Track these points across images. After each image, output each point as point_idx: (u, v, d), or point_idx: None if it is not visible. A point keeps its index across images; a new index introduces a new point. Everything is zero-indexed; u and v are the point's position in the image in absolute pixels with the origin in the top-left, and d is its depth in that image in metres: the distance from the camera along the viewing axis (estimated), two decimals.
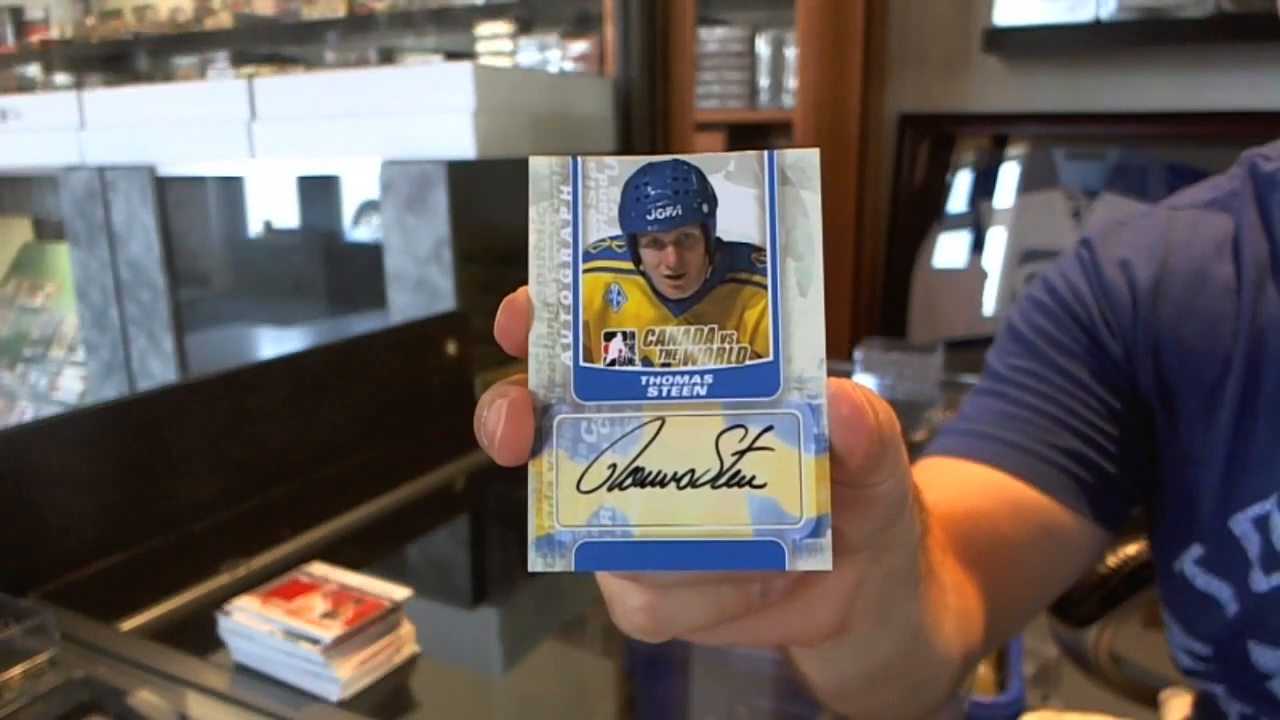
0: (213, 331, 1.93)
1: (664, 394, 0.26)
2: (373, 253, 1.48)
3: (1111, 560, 0.99)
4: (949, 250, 2.17)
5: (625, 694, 0.79)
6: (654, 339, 0.26)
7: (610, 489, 0.25)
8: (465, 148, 1.36)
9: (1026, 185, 2.07)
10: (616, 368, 0.26)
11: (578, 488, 0.25)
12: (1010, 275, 2.07)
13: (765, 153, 0.27)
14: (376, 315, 1.51)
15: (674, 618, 0.27)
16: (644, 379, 0.26)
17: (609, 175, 0.27)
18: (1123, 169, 1.97)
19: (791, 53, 2.21)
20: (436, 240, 1.37)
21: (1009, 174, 2.11)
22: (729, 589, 0.27)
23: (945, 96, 2.20)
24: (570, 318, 0.26)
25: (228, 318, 1.98)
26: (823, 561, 0.25)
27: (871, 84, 2.10)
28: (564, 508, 0.25)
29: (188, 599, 0.84)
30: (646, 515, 0.25)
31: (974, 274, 2.13)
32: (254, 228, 1.99)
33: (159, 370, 1.85)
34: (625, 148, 1.71)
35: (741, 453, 0.25)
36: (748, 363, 0.26)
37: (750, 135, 2.35)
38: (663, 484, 0.25)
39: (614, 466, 0.25)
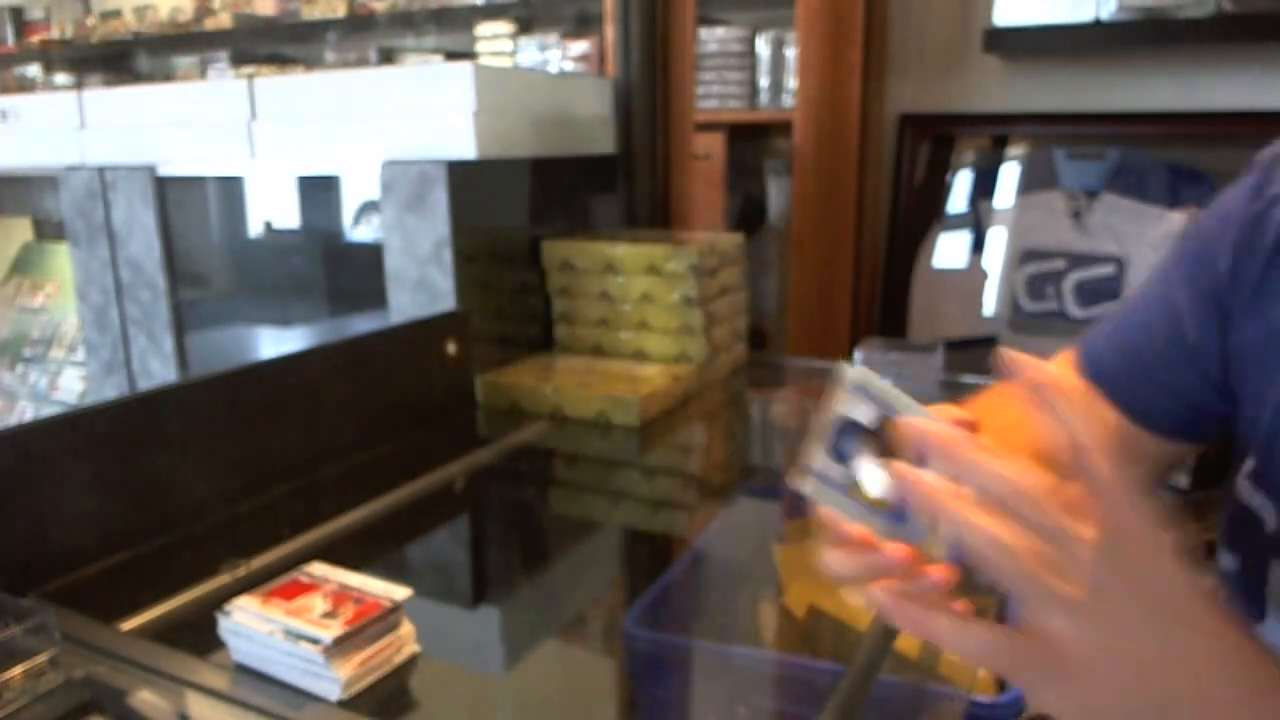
0: (213, 331, 1.93)
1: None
2: (373, 253, 1.48)
3: None
4: (949, 250, 2.17)
5: (625, 694, 0.79)
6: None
7: None
8: (466, 148, 1.36)
9: (1026, 185, 2.08)
10: None
11: None
12: (1010, 275, 2.07)
13: None
14: (376, 315, 1.51)
15: None
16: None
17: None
18: (1123, 169, 1.97)
19: (791, 53, 2.21)
20: (437, 240, 1.37)
21: (1009, 174, 2.11)
22: None
23: (945, 96, 2.20)
24: None
25: (228, 318, 1.98)
26: None
27: (871, 84, 2.10)
28: None
29: (188, 599, 0.84)
30: None
31: (974, 274, 2.13)
32: (254, 228, 1.99)
33: (159, 370, 1.85)
34: (625, 147, 1.71)
35: None
36: None
37: (750, 135, 2.35)
38: None
39: None
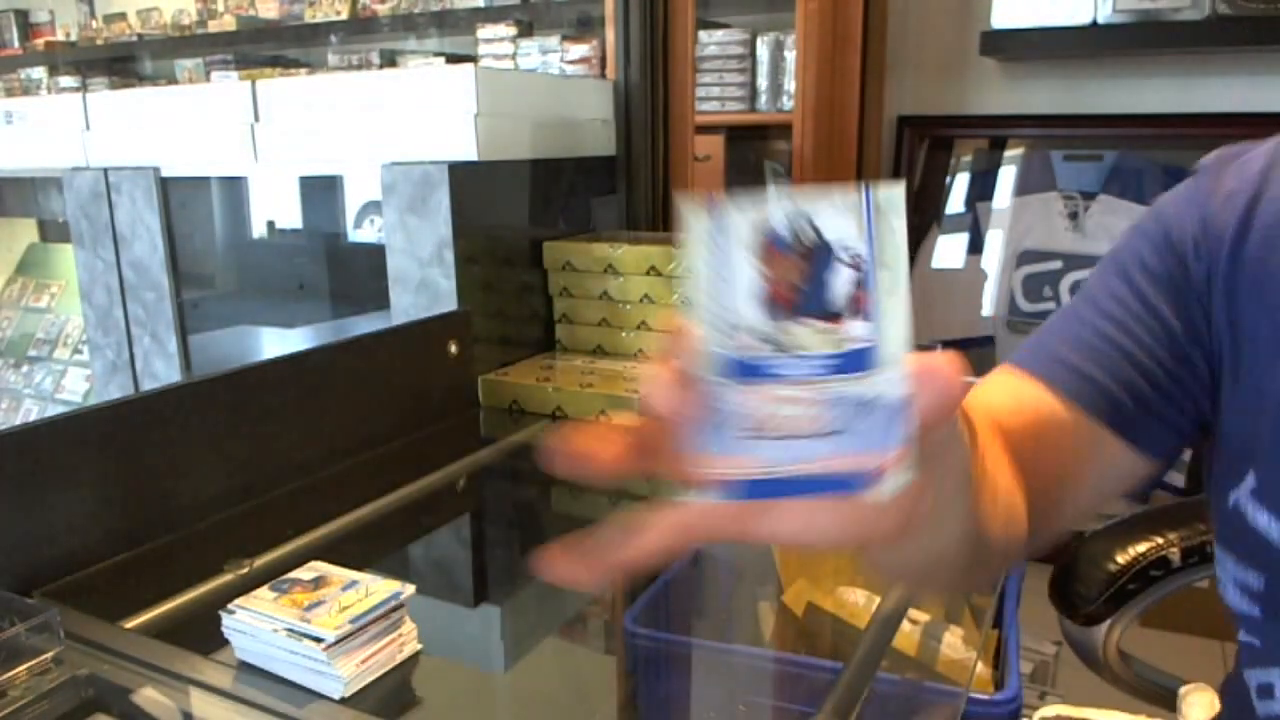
0: (216, 332, 1.94)
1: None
2: (375, 254, 1.49)
3: (1121, 558, 0.99)
4: (947, 251, 2.18)
5: (626, 692, 0.79)
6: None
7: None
8: (467, 150, 1.37)
9: (1024, 187, 2.08)
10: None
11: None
12: (1008, 276, 2.08)
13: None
14: (379, 316, 1.51)
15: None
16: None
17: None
18: (1119, 171, 1.98)
19: (791, 55, 2.22)
20: (438, 241, 1.38)
21: (1006, 175, 2.12)
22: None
23: (943, 99, 2.20)
24: None
25: (231, 318, 1.99)
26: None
27: (870, 86, 2.11)
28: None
29: (191, 597, 0.84)
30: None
31: (972, 275, 2.14)
32: (257, 229, 2.00)
33: (163, 370, 1.86)
34: (626, 149, 1.72)
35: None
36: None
37: (749, 137, 2.36)
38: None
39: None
